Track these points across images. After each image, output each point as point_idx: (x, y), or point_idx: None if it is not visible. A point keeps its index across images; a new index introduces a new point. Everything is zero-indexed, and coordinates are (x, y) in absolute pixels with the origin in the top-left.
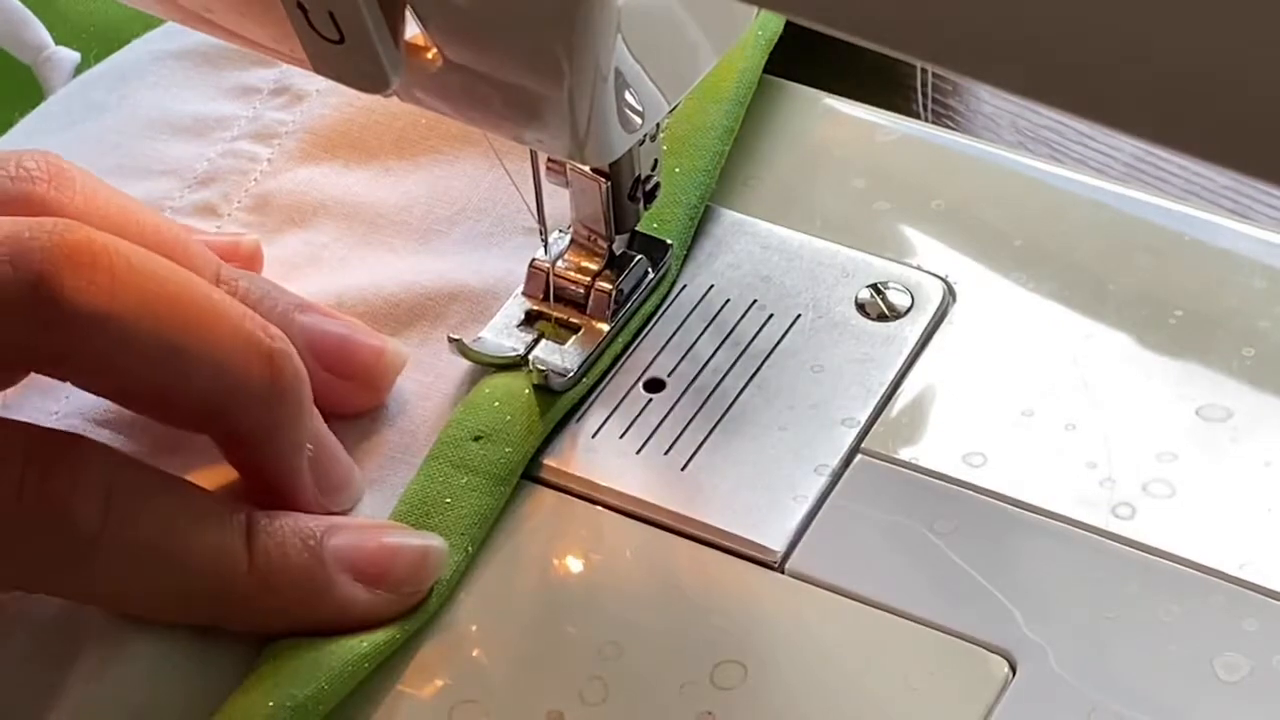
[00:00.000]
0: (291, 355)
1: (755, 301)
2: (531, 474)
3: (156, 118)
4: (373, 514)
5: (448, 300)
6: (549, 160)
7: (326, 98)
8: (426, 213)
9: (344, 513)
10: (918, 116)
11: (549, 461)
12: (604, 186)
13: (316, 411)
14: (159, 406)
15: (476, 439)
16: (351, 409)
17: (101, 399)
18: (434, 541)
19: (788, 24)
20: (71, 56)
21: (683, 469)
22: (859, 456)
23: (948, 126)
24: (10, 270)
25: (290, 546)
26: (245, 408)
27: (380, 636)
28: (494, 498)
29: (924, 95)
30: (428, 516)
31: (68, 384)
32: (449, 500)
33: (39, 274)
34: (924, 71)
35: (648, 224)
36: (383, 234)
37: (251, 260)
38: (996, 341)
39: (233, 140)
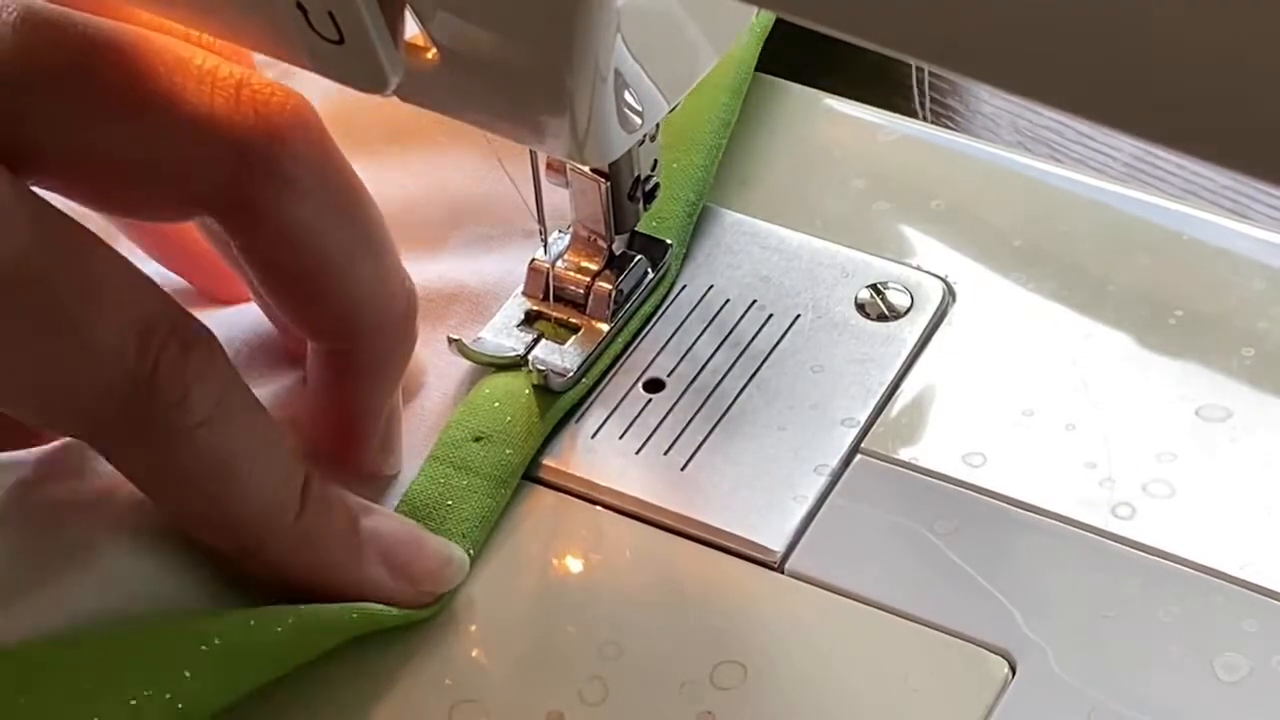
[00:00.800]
0: (416, 299)
1: (755, 302)
2: (531, 474)
3: None
4: None
5: (447, 301)
6: (549, 160)
7: (318, 81)
8: (425, 215)
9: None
10: (918, 116)
11: (549, 462)
12: (604, 186)
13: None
14: (310, 298)
15: (477, 440)
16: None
17: None
18: (459, 551)
19: (788, 25)
20: None
21: (682, 469)
22: (859, 456)
23: (948, 126)
24: (254, 118)
25: (336, 511)
26: (379, 326)
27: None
28: (495, 499)
29: (922, 95)
30: (429, 518)
31: None
32: (450, 502)
33: (279, 130)
34: (920, 70)
35: (646, 222)
36: None
37: None
38: (996, 341)
39: None
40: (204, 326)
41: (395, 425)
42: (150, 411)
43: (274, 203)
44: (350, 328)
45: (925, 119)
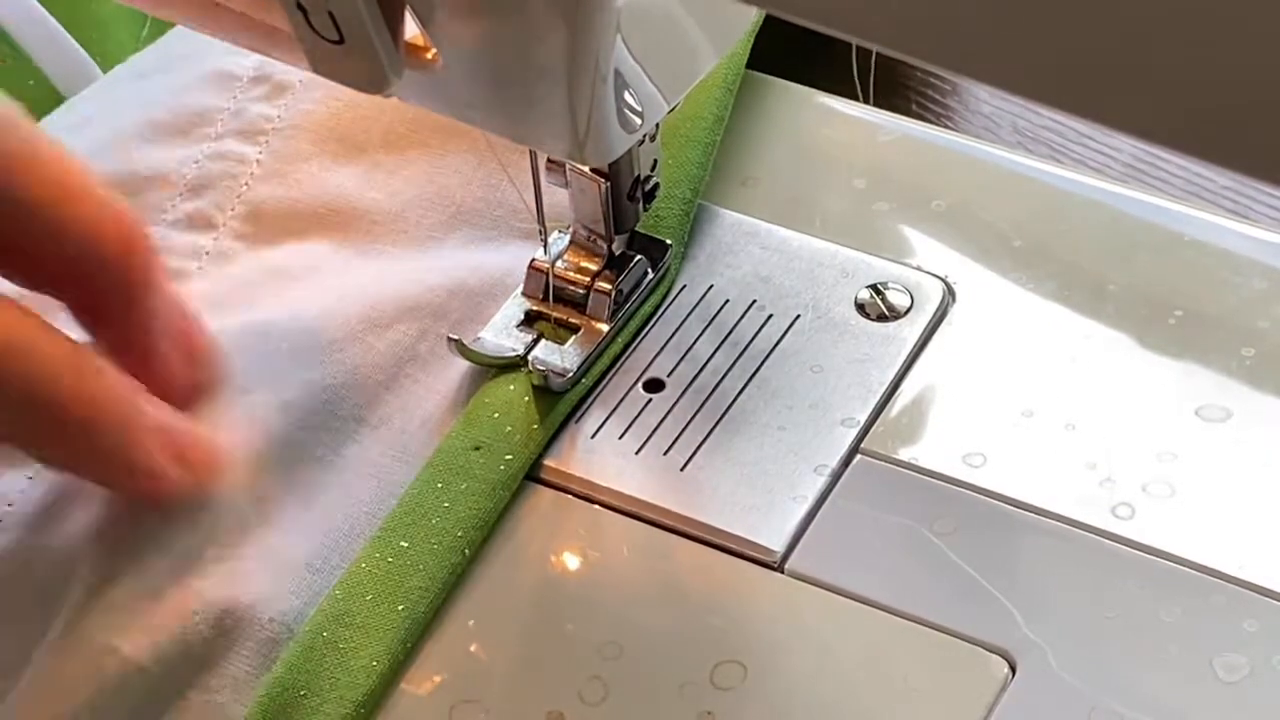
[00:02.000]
0: (142, 226)
1: (755, 302)
2: (531, 474)
3: (139, 117)
4: (371, 511)
5: (447, 300)
6: (549, 160)
7: (311, 91)
8: (423, 217)
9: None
10: (919, 117)
11: (549, 462)
12: (603, 186)
13: (171, 285)
14: (28, 267)
15: (476, 449)
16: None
17: None
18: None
19: (782, 23)
20: None
21: (682, 469)
22: (859, 456)
23: (948, 126)
24: None
25: (114, 382)
26: (104, 272)
27: (381, 649)
28: (493, 501)
29: (864, 78)
30: (427, 519)
31: None
32: (447, 505)
33: None
34: (863, 56)
35: (643, 220)
36: (380, 244)
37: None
38: (996, 341)
39: (218, 138)
40: None
41: (191, 333)
42: None
43: None
44: (71, 280)
45: (869, 102)
